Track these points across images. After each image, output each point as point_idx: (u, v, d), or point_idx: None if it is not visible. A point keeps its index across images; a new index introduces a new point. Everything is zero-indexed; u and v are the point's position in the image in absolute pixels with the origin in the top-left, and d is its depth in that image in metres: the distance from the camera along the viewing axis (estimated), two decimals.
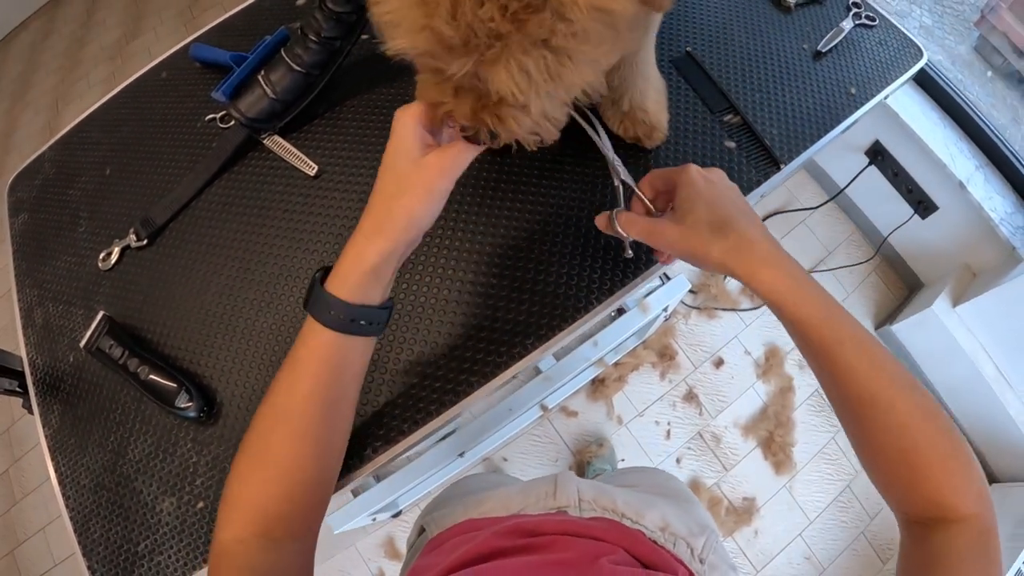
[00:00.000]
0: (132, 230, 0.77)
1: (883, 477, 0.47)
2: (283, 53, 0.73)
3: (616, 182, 0.59)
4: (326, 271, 0.50)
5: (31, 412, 0.77)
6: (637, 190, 0.58)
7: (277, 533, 0.48)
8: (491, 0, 0.34)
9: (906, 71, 0.81)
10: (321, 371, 0.49)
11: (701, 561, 0.58)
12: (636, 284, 0.65)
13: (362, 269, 0.47)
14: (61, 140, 0.90)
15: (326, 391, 0.49)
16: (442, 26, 0.35)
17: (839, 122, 0.76)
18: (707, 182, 0.52)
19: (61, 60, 2.83)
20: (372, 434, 0.63)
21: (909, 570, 0.45)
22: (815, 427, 1.77)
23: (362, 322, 0.49)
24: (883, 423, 0.45)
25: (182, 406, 0.66)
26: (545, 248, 0.67)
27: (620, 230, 0.57)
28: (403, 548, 1.66)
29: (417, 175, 0.46)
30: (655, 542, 0.57)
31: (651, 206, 0.58)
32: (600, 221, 0.60)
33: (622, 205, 0.60)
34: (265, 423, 0.50)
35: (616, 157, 0.58)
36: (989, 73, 1.71)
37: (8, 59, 2.92)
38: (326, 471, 0.53)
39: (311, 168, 0.75)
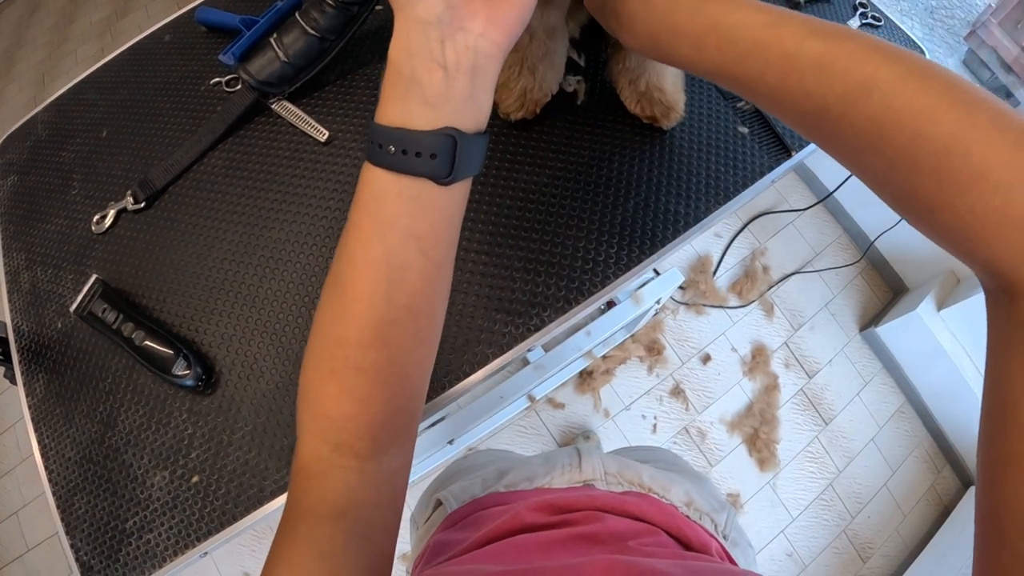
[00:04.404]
0: (129, 192, 0.74)
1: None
2: (297, 16, 0.71)
3: None
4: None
5: (13, 382, 0.73)
6: None
7: (356, 443, 0.39)
8: None
9: None
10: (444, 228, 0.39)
11: (724, 537, 0.57)
12: (654, 259, 0.64)
13: (470, 66, 0.36)
14: (55, 102, 0.87)
15: (449, 249, 0.41)
16: None
17: None
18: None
19: (49, 35, 2.76)
20: None
21: None
22: (799, 425, 1.78)
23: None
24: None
25: (179, 374, 0.63)
26: (563, 223, 0.66)
27: None
28: None
29: None
30: (687, 517, 0.56)
31: None
32: None
33: None
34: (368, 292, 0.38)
35: None
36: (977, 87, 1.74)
37: None
38: (411, 361, 0.42)
39: (322, 134, 0.73)
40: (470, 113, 0.37)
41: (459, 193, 0.39)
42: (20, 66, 2.70)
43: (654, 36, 0.41)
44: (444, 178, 0.36)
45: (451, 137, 0.36)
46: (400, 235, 0.37)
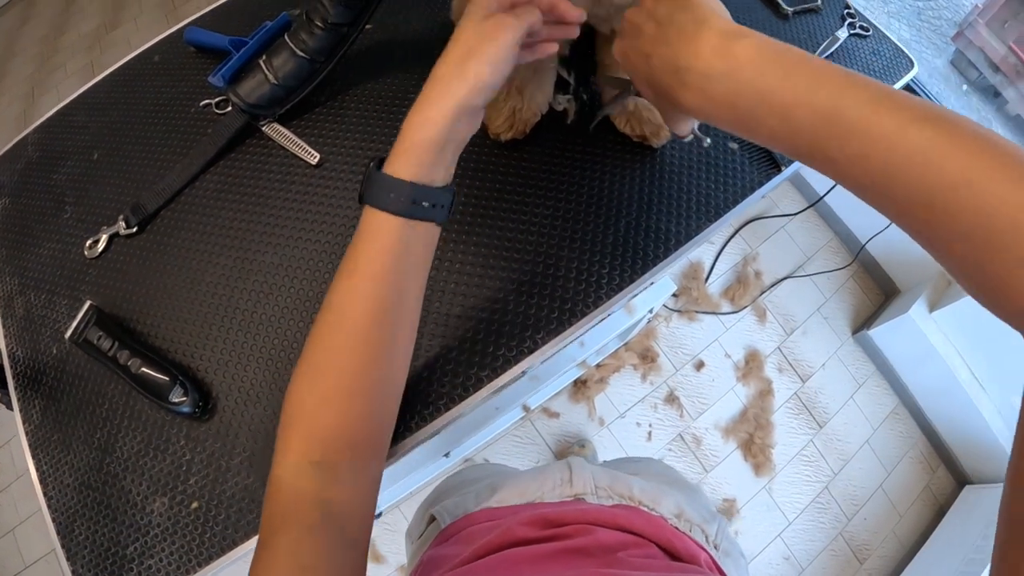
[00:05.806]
0: (121, 217, 0.74)
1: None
2: (287, 38, 0.71)
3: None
4: (381, 161, 0.46)
5: (9, 407, 0.73)
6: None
7: (337, 458, 0.44)
8: None
9: (898, 81, 0.83)
10: (383, 262, 0.45)
11: (715, 547, 0.58)
12: (646, 279, 0.65)
13: (425, 137, 0.44)
14: (45, 123, 0.86)
15: (388, 287, 0.46)
16: None
17: None
18: (625, 57, 0.48)
19: (39, 47, 2.76)
20: None
21: None
22: (794, 429, 1.79)
23: (424, 203, 0.45)
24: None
25: (176, 401, 0.63)
26: (554, 243, 0.67)
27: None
28: (384, 551, 1.63)
29: (481, 36, 0.44)
30: (676, 528, 0.57)
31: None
32: None
33: None
34: (322, 330, 0.46)
35: None
36: (965, 87, 1.75)
37: None
38: (389, 381, 0.49)
39: (313, 157, 0.73)
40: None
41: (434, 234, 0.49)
42: (9, 79, 2.69)
43: (732, 102, 0.39)
44: (441, 221, 0.48)
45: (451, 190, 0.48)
46: (393, 273, 0.46)
